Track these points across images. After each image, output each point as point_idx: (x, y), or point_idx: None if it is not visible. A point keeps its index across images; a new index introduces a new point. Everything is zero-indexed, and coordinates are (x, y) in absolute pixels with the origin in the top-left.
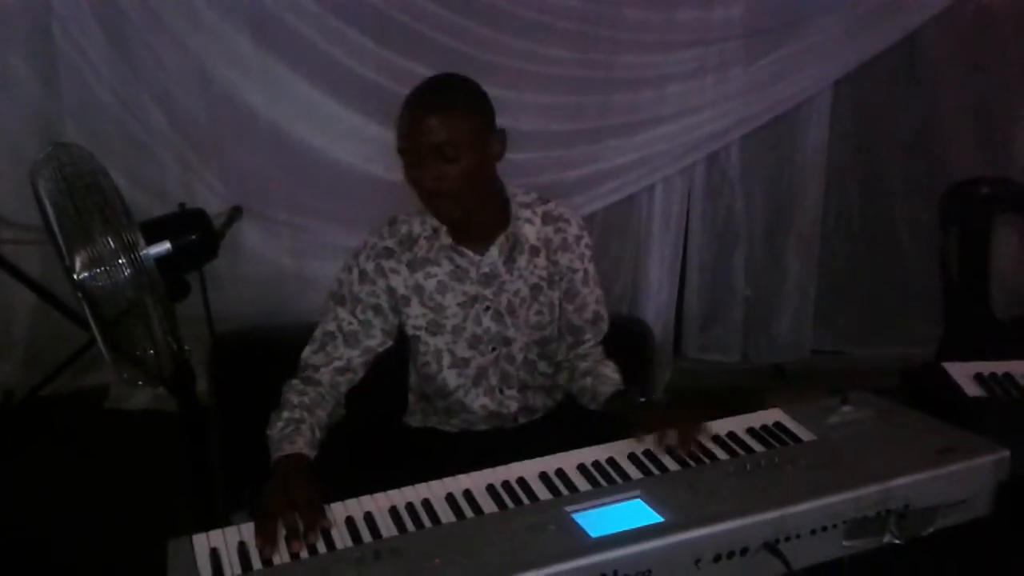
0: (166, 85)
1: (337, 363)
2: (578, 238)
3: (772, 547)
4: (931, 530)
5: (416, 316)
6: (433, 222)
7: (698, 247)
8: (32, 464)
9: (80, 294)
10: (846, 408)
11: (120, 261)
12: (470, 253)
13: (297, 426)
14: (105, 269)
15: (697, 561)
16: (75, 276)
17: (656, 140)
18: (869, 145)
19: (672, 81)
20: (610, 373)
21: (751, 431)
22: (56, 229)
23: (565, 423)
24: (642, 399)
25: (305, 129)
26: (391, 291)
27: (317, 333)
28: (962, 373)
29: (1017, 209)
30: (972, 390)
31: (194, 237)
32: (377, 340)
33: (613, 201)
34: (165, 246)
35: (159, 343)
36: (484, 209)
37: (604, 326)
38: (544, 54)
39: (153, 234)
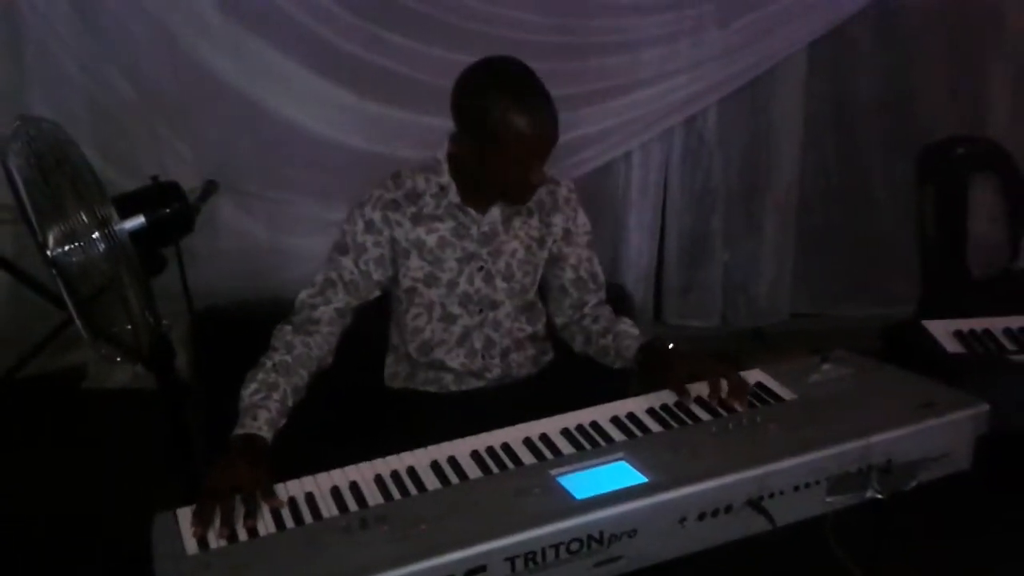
0: (135, 57)
1: (336, 305)
2: (567, 200)
3: (756, 504)
4: (913, 484)
5: (415, 268)
6: (440, 180)
7: (677, 212)
8: (11, 447)
9: (54, 271)
10: (827, 367)
11: (94, 236)
12: (473, 212)
13: (268, 393)
14: (79, 245)
15: (682, 520)
16: (49, 253)
17: (632, 105)
18: (845, 106)
19: (647, 46)
20: (629, 328)
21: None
22: (28, 205)
23: (547, 383)
24: (671, 345)
25: (278, 100)
26: (394, 242)
27: (318, 278)
28: (942, 330)
29: (993, 168)
30: (952, 346)
31: (169, 211)
32: (372, 291)
33: (591, 168)
34: (139, 220)
35: (136, 319)
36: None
37: (603, 285)
38: (517, 19)
39: (127, 208)
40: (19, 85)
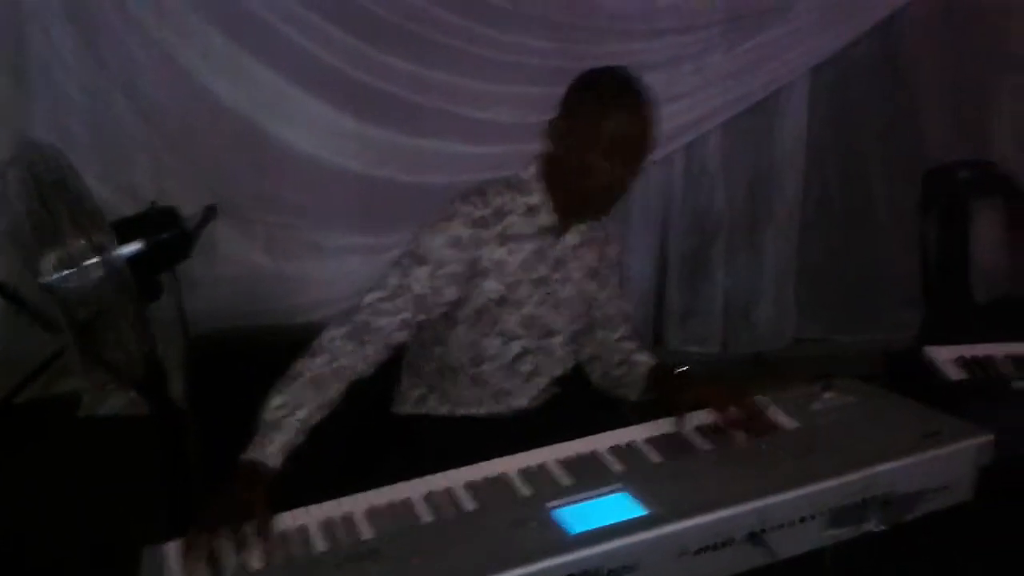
0: (137, 81)
1: (404, 316)
2: (613, 234)
3: (757, 537)
4: (914, 516)
5: (492, 290)
6: (527, 200)
7: (677, 237)
8: (5, 473)
9: (51, 296)
10: (828, 395)
11: (91, 262)
12: (551, 236)
13: (292, 411)
14: (76, 270)
15: (681, 554)
16: (45, 278)
17: None
18: (848, 131)
19: (652, 69)
20: (646, 359)
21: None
22: (26, 230)
23: (549, 412)
24: (682, 368)
25: (280, 125)
26: (475, 262)
27: (391, 281)
28: (944, 357)
29: (996, 193)
30: (954, 374)
31: (166, 236)
32: (437, 310)
33: None
34: (137, 246)
35: (131, 345)
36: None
37: (630, 317)
38: (523, 44)
39: (124, 234)
40: (22, 107)
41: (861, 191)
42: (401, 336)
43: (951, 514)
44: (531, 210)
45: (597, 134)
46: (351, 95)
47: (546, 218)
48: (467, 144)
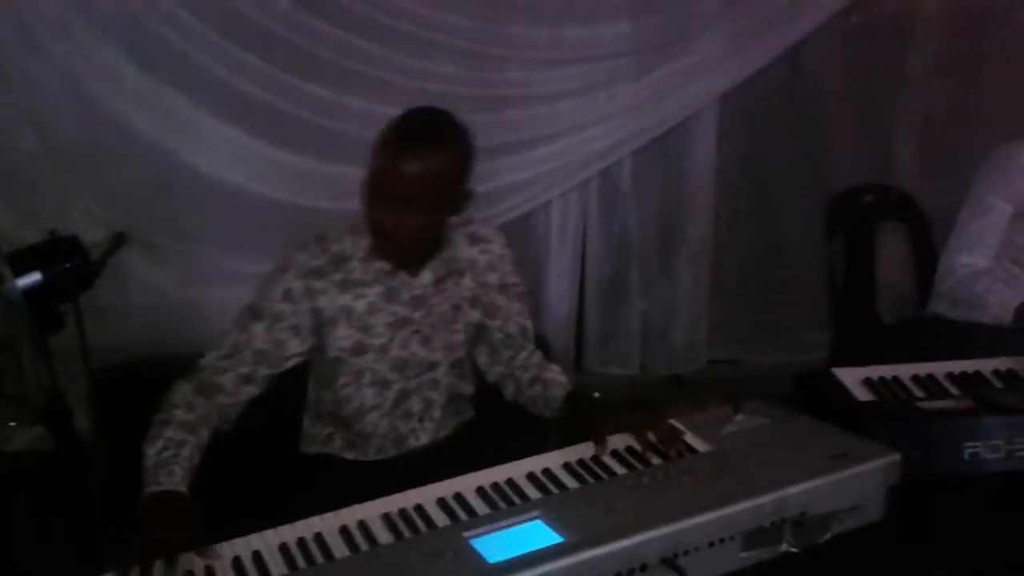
0: (42, 108)
1: (243, 370)
2: (501, 257)
3: (671, 562)
4: (826, 537)
5: (342, 338)
6: (367, 243)
7: (595, 261)
8: None
9: None
10: (740, 417)
11: None
12: (404, 275)
13: (177, 451)
14: None
15: None
16: None
17: (550, 156)
18: (756, 157)
19: (563, 98)
20: (556, 376)
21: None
22: None
23: (466, 440)
24: (596, 394)
25: (191, 151)
26: (316, 312)
27: (227, 341)
28: (852, 378)
29: (900, 216)
30: (862, 394)
31: (68, 266)
32: (285, 360)
33: (511, 218)
34: (35, 277)
35: (30, 379)
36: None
37: (533, 337)
38: (435, 72)
39: (22, 264)
40: None
41: (770, 216)
42: (250, 390)
43: (862, 534)
44: (371, 253)
45: (369, 175)
46: (267, 122)
47: (383, 263)
48: None
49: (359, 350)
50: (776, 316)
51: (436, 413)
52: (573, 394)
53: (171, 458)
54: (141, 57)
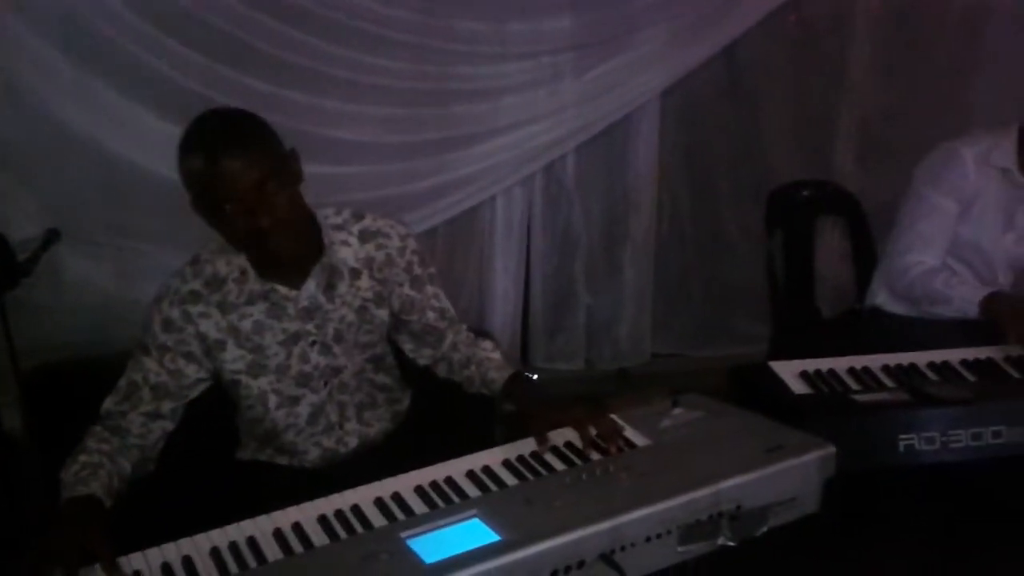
0: None
1: (145, 409)
2: (401, 249)
3: (608, 558)
4: (763, 530)
5: (234, 360)
6: (240, 262)
7: (541, 256)
8: None
9: None
10: (677, 411)
11: None
12: (284, 289)
13: (94, 471)
14: None
15: None
16: None
17: (495, 151)
18: (697, 153)
19: (507, 93)
20: (489, 353)
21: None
22: None
23: (407, 437)
24: (535, 376)
25: (126, 146)
26: (202, 337)
27: (121, 383)
28: (788, 371)
29: (837, 210)
30: (798, 387)
31: None
32: (189, 388)
33: (456, 213)
34: None
35: None
36: (299, 239)
37: (455, 317)
38: (379, 66)
39: None
40: None
41: (711, 211)
42: (160, 426)
43: (799, 527)
44: (244, 273)
45: (204, 201)
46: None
47: (256, 282)
48: (325, 165)
49: (255, 371)
50: (719, 310)
51: (360, 413)
52: (512, 377)
53: (88, 475)
54: (77, 52)
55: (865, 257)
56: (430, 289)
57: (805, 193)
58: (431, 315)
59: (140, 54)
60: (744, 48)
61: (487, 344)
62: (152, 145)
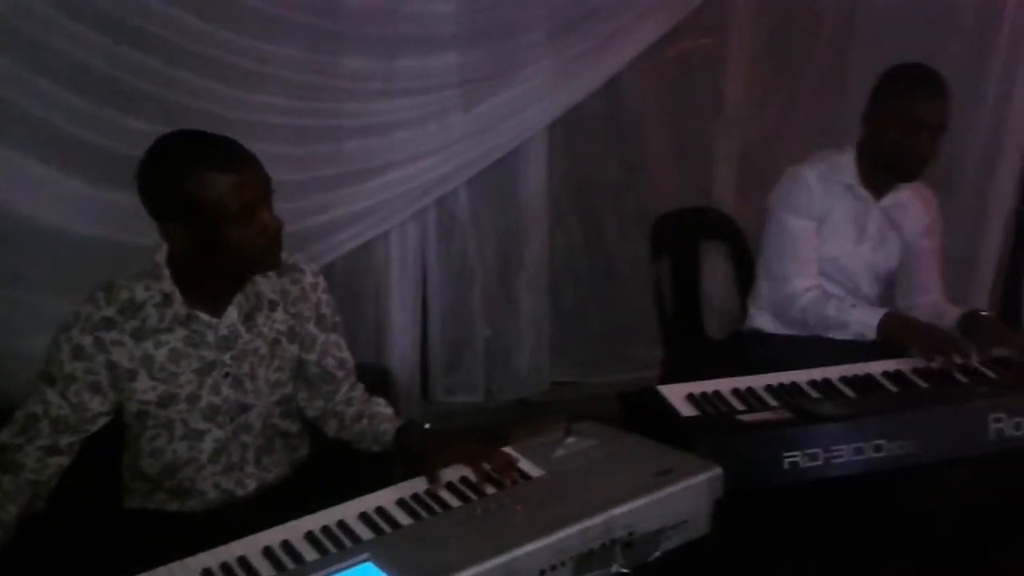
0: None
1: (42, 443)
2: (314, 285)
3: None
4: (656, 555)
5: (144, 390)
6: (162, 287)
7: (437, 290)
8: None
9: None
10: (570, 439)
11: None
12: (206, 316)
13: None
14: None
15: None
16: None
17: (387, 186)
18: (584, 185)
19: (397, 128)
20: (382, 409)
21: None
22: None
23: (304, 481)
24: (427, 425)
25: (5, 192)
26: (112, 366)
27: (19, 415)
28: (675, 394)
29: (720, 235)
30: (686, 410)
31: None
32: (90, 422)
33: (350, 248)
34: None
35: None
36: (222, 267)
37: (353, 369)
38: (268, 103)
39: None
40: None
41: (600, 240)
42: (57, 461)
43: (692, 549)
44: (167, 298)
45: (202, 207)
46: (83, 159)
47: (182, 306)
48: None
49: (165, 401)
50: (614, 336)
51: (259, 457)
52: (404, 427)
53: None
54: None
55: (747, 279)
56: (333, 337)
57: (688, 219)
58: (330, 361)
59: (13, 96)
60: (626, 81)
61: (380, 400)
62: (28, 190)
